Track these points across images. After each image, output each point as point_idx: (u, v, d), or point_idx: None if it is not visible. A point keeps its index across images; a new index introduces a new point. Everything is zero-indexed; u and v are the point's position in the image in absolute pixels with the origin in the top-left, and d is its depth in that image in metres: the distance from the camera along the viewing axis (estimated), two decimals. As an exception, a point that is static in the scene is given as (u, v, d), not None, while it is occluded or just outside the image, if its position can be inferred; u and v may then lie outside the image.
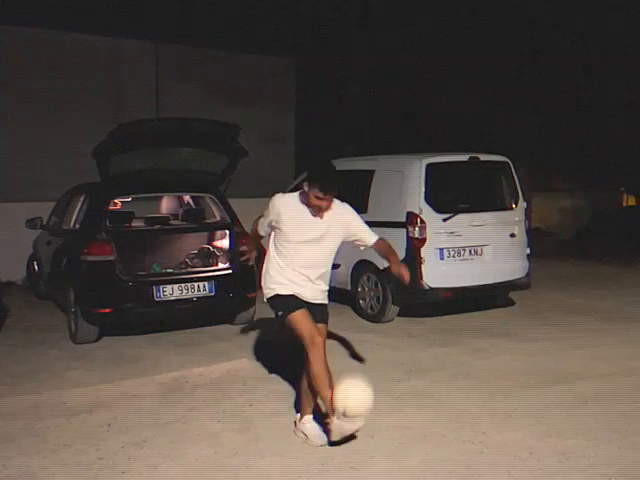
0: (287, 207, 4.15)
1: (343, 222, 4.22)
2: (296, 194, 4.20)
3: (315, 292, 4.28)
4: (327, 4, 17.26)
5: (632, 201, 20.17)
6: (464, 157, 7.90)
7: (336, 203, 4.15)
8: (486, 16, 17.94)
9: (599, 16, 18.08)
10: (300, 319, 4.13)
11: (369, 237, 4.32)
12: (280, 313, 4.22)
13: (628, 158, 19.30)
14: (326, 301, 4.39)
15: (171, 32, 13.85)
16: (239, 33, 14.79)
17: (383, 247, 4.38)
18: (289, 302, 4.19)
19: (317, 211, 4.08)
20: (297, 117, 16.02)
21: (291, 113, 15.76)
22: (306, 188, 4.02)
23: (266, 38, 15.06)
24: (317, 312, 4.27)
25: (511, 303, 8.59)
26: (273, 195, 4.26)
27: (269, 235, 4.37)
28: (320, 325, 4.25)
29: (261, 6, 16.11)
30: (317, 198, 4.00)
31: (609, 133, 19.20)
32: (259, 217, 4.43)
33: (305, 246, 4.15)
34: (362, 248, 4.42)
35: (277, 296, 4.23)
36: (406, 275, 4.21)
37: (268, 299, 4.31)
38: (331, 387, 4.09)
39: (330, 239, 4.21)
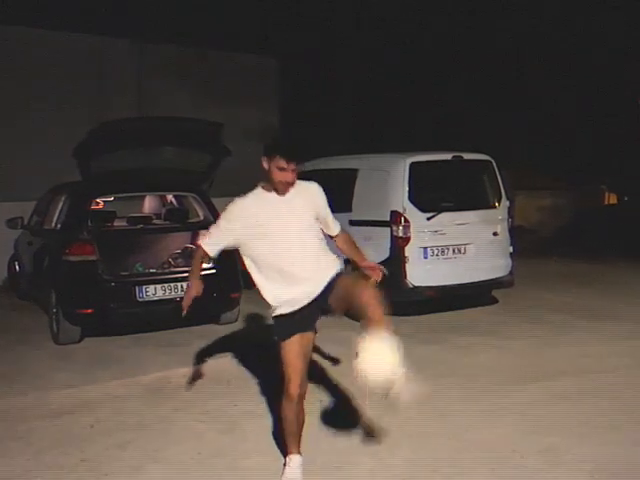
0: (255, 202, 3.62)
1: (311, 196, 3.72)
2: (256, 189, 3.70)
3: (320, 281, 3.67)
4: (313, 2, 17.26)
5: (613, 199, 20.36)
6: (448, 156, 7.93)
7: (301, 182, 3.68)
8: (471, 16, 18.03)
9: (583, 16, 18.23)
10: (292, 354, 3.68)
11: (334, 226, 3.88)
12: (275, 337, 3.76)
13: (609, 157, 19.50)
14: (338, 268, 3.74)
15: (154, 31, 13.76)
16: (223, 32, 14.73)
17: (346, 240, 3.97)
18: (286, 327, 3.71)
19: (283, 187, 3.56)
20: (282, 116, 16.00)
21: (275, 112, 15.75)
22: (266, 165, 3.54)
23: (250, 36, 15.01)
24: (314, 313, 3.78)
25: (494, 301, 8.64)
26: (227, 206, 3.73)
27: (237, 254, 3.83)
28: (308, 334, 3.79)
29: (245, 4, 16.06)
30: (280, 170, 3.50)
31: (591, 132, 19.36)
32: (197, 249, 3.99)
33: (290, 239, 3.59)
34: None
35: (278, 317, 3.75)
36: (376, 269, 3.87)
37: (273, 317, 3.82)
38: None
39: (305, 216, 3.67)
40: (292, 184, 3.59)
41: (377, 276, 3.88)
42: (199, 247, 3.91)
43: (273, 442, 4.31)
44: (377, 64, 17.99)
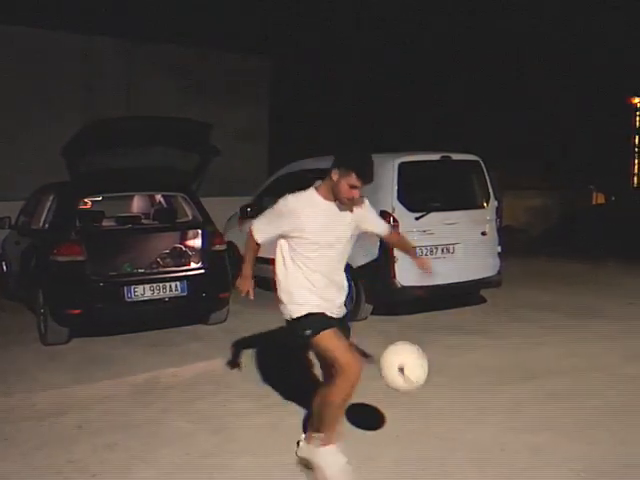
0: (307, 206, 3.63)
1: (362, 215, 3.82)
2: (310, 191, 3.73)
3: (341, 301, 3.83)
4: (304, 3, 17.27)
5: (601, 199, 20.48)
6: (436, 156, 7.94)
7: None
8: (460, 18, 18.09)
9: (576, 17, 18.34)
10: (335, 339, 3.60)
11: (384, 226, 4.07)
12: (308, 332, 3.61)
13: (597, 157, 19.61)
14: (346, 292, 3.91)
15: (143, 30, 13.71)
16: (212, 31, 14.70)
17: (399, 237, 4.31)
18: (320, 320, 3.64)
19: (349, 203, 3.62)
20: (272, 116, 15.99)
21: (265, 111, 15.73)
22: (335, 177, 3.57)
23: (240, 36, 14.99)
24: (344, 329, 3.83)
25: (483, 300, 8.67)
26: (280, 199, 3.73)
27: (275, 245, 3.81)
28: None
29: (236, 4, 16.03)
30: (352, 187, 3.54)
31: (580, 132, 19.47)
32: (248, 225, 3.92)
33: (334, 249, 3.69)
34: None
35: (307, 315, 3.66)
36: (427, 264, 4.05)
37: (294, 319, 3.70)
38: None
39: (351, 227, 3.78)
40: (357, 203, 3.71)
41: (428, 271, 4.02)
42: (250, 233, 3.87)
43: (263, 442, 4.30)
44: (376, 64, 18.01)
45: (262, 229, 3.79)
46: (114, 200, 8.22)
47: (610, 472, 3.85)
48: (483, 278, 8.10)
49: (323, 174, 8.60)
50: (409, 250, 4.24)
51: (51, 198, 7.63)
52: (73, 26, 12.75)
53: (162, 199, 8.30)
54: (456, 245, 7.84)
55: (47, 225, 7.42)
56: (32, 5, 12.41)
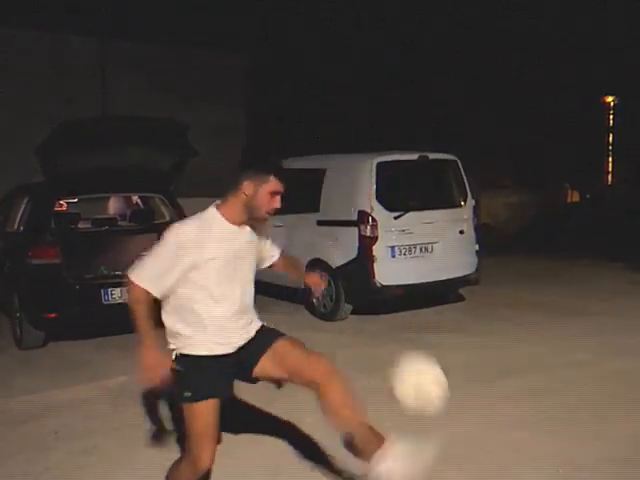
0: (205, 235, 2.90)
1: (262, 240, 3.24)
2: (200, 215, 2.98)
3: (251, 327, 3.19)
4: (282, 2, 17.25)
5: (576, 197, 20.73)
6: (414, 156, 7.98)
7: None
8: (441, 18, 18.19)
9: (543, 20, 18.52)
10: (208, 418, 2.99)
11: (275, 250, 3.40)
12: (187, 394, 2.99)
13: (572, 155, 19.84)
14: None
15: (118, 28, 13.60)
16: (189, 29, 14.62)
17: (287, 259, 3.50)
18: (207, 379, 3.01)
19: (268, 215, 2.94)
20: (250, 115, 15.95)
21: (242, 110, 15.69)
22: (249, 189, 2.87)
23: (216, 34, 14.93)
24: (266, 335, 3.19)
25: (461, 299, 8.72)
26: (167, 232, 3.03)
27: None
28: (282, 341, 3.16)
29: (214, 2, 15.97)
30: (273, 195, 2.89)
31: (554, 132, 19.68)
32: (132, 287, 3.13)
33: (240, 280, 3.04)
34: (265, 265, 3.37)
35: (190, 359, 3.03)
36: (319, 283, 3.54)
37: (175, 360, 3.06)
38: None
39: (256, 249, 3.17)
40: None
41: (319, 289, 3.57)
42: (133, 286, 3.09)
43: (241, 444, 4.28)
44: (355, 61, 18.03)
45: (153, 277, 3.09)
46: (90, 201, 8.13)
47: (587, 467, 3.88)
48: (461, 276, 8.16)
49: (304, 174, 8.66)
50: (299, 271, 3.71)
51: (26, 200, 7.53)
52: (47, 25, 12.61)
53: (139, 200, 8.23)
54: (434, 244, 7.88)
55: (22, 227, 7.32)
56: (3, 5, 12.24)
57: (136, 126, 7.57)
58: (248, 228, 3.03)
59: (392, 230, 7.60)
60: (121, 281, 6.87)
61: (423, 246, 7.82)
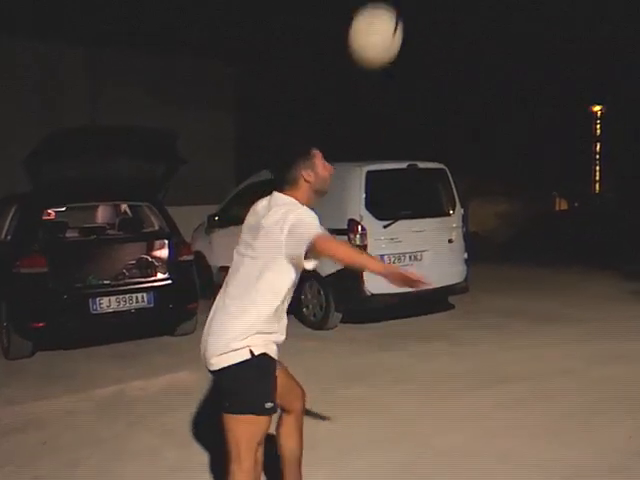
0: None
1: None
2: (295, 203, 2.99)
3: None
4: (271, 10, 17.28)
5: (564, 205, 20.85)
6: (403, 165, 8.01)
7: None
8: (425, 26, 18.28)
9: (532, 28, 18.67)
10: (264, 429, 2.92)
11: None
12: (269, 405, 2.84)
13: (560, 164, 19.97)
14: None
15: (108, 36, 13.58)
16: (178, 38, 14.62)
17: None
18: (271, 381, 2.90)
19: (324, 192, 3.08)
20: (240, 123, 15.95)
21: (231, 118, 15.69)
22: (309, 174, 2.96)
23: (206, 43, 14.94)
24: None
25: (450, 307, 8.74)
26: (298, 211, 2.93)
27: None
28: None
29: (201, 10, 15.98)
30: (323, 159, 3.04)
31: (542, 140, 19.81)
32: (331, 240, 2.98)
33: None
34: None
35: (264, 358, 2.86)
36: None
37: (256, 355, 2.84)
38: None
39: None
40: None
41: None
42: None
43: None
44: (335, 74, 18.09)
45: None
46: (78, 210, 8.10)
47: (576, 475, 3.89)
48: (450, 285, 8.16)
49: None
50: None
51: (13, 209, 7.48)
52: (36, 34, 12.58)
53: (127, 209, 8.20)
54: (424, 252, 7.89)
55: (9, 237, 7.27)
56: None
57: (124, 135, 7.55)
58: None
59: (381, 239, 7.62)
60: (109, 290, 6.87)
61: (412, 255, 7.83)
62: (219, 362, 2.88)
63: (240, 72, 15.95)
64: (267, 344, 2.89)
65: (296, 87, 17.96)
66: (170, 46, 14.28)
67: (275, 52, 17.49)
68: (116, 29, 13.83)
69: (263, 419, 2.86)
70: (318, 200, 3.11)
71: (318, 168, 2.99)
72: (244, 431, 2.86)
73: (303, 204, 2.98)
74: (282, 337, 3.01)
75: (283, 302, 2.96)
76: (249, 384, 2.84)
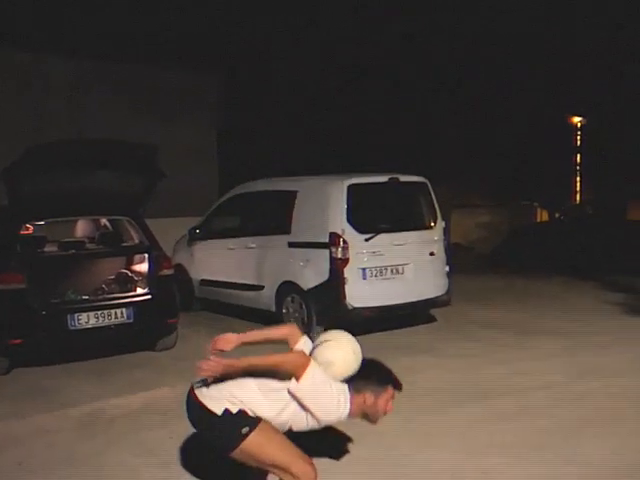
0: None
1: None
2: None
3: None
4: (253, 22, 17.32)
5: (545, 216, 21.00)
6: (384, 178, 8.02)
7: None
8: (405, 39, 18.41)
9: (511, 39, 18.87)
10: (274, 434, 3.20)
11: None
12: (245, 429, 3.12)
13: (541, 175, 20.14)
14: None
15: (91, 47, 13.51)
16: (162, 49, 14.59)
17: None
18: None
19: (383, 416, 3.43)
20: (222, 134, 15.91)
21: (214, 129, 15.65)
22: (370, 400, 3.30)
23: (188, 52, 14.91)
24: None
25: (433, 319, 8.73)
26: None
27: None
28: None
29: (184, 22, 15.97)
30: (391, 399, 3.39)
31: (523, 152, 19.98)
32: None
33: None
34: None
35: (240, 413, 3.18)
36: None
37: (223, 415, 3.15)
38: None
39: None
40: None
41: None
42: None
43: (211, 476, 4.20)
44: (317, 87, 18.14)
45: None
46: (57, 225, 8.01)
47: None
48: (432, 298, 8.18)
49: (275, 196, 8.65)
50: None
51: (-9, 223, 7.38)
52: (16, 43, 12.48)
53: (107, 223, 8.13)
54: (405, 266, 7.90)
55: (-14, 252, 7.16)
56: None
57: (105, 148, 7.49)
58: None
59: (363, 252, 7.61)
60: (88, 306, 6.78)
61: (394, 268, 7.83)
62: None
63: (223, 83, 15.92)
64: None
65: (279, 99, 17.97)
66: (152, 57, 14.24)
67: (258, 63, 17.52)
68: (98, 40, 13.77)
69: (252, 435, 3.09)
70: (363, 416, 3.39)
71: (380, 401, 3.28)
72: (254, 453, 3.12)
73: (350, 409, 3.27)
74: None
75: None
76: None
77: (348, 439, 4.66)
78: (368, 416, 3.33)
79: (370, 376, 3.34)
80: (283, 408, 3.18)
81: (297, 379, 3.11)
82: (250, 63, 17.44)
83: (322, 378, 3.19)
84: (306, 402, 3.15)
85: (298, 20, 17.70)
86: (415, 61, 18.46)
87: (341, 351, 3.35)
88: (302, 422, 3.25)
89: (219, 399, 3.16)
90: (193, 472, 4.26)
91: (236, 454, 3.13)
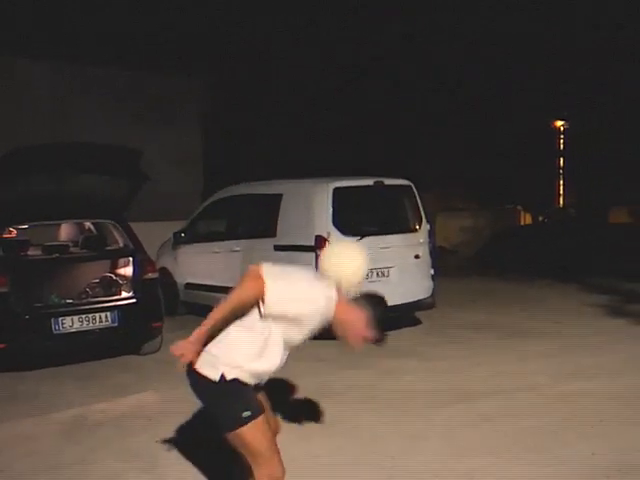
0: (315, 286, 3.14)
1: None
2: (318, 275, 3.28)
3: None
4: (240, 25, 17.31)
5: (529, 219, 21.14)
6: (370, 181, 8.05)
7: None
8: (405, 39, 18.46)
9: (494, 42, 18.98)
10: (265, 432, 3.11)
11: None
12: (247, 414, 3.02)
13: (524, 178, 20.26)
14: None
15: (74, 51, 13.43)
16: (144, 53, 14.55)
17: None
18: (254, 399, 3.13)
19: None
20: (207, 138, 15.89)
21: (199, 134, 15.62)
22: (353, 313, 3.18)
23: (174, 59, 14.89)
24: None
25: (417, 322, 8.76)
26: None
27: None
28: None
29: (169, 26, 15.93)
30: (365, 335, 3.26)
31: (507, 156, 20.10)
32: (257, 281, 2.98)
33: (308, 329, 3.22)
34: None
35: (239, 383, 3.06)
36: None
37: (225, 381, 3.03)
38: None
39: None
40: None
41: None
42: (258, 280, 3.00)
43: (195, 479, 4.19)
44: (312, 87, 18.13)
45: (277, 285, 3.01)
46: (41, 228, 7.96)
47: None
48: (417, 301, 8.21)
49: (260, 199, 8.61)
50: None
51: (-27, 227, 7.32)
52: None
53: (91, 226, 8.08)
54: (391, 269, 7.92)
55: (-32, 255, 7.10)
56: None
57: (88, 152, 7.45)
58: None
59: (349, 255, 7.61)
60: (72, 310, 6.74)
61: (379, 271, 7.85)
62: None
63: (207, 86, 15.90)
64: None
65: (263, 102, 17.97)
66: (138, 62, 14.19)
67: (242, 66, 17.50)
68: (81, 44, 13.71)
69: (251, 425, 3.02)
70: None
71: (360, 322, 3.16)
72: (246, 441, 3.05)
73: (336, 296, 3.15)
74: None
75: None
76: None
77: (329, 443, 4.67)
78: (346, 332, 3.18)
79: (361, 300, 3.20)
80: (268, 336, 3.04)
81: (262, 299, 2.96)
82: (235, 65, 17.42)
83: (282, 273, 3.07)
84: (287, 310, 3.01)
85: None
86: (400, 65, 18.53)
87: (344, 252, 3.48)
88: (296, 334, 3.13)
89: (213, 363, 3.03)
90: (177, 475, 4.25)
91: (231, 437, 3.07)
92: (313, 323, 3.11)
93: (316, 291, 3.09)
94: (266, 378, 3.22)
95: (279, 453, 3.13)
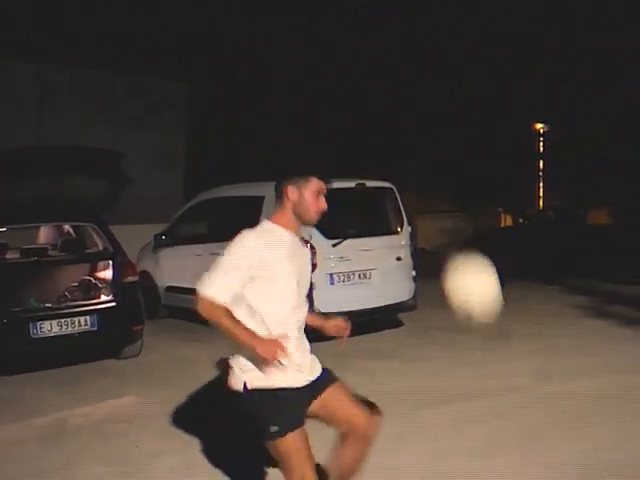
0: (274, 245, 2.95)
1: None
2: (267, 224, 3.05)
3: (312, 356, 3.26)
4: (240, 25, 17.27)
5: (509, 221, 21.29)
6: (351, 183, 8.04)
7: None
8: (393, 44, 18.52)
9: (475, 45, 19.12)
10: (303, 449, 2.94)
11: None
12: (275, 429, 2.87)
13: (505, 180, 20.42)
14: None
15: (56, 53, 13.31)
16: (127, 55, 14.46)
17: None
18: (288, 409, 2.93)
19: (317, 216, 3.04)
20: (190, 140, 15.82)
21: (182, 136, 15.56)
22: (294, 194, 2.94)
23: (158, 61, 14.82)
24: (327, 378, 3.29)
25: (400, 324, 8.78)
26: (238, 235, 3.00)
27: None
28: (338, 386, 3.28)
29: (150, 28, 15.85)
30: (318, 194, 2.97)
31: (487, 157, 20.24)
32: (208, 285, 2.91)
33: (301, 292, 3.08)
34: None
35: (265, 392, 2.90)
36: (344, 328, 3.55)
37: (244, 393, 2.91)
38: None
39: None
40: None
41: (345, 334, 3.49)
42: (204, 300, 2.87)
43: (179, 483, 4.15)
44: (296, 89, 18.12)
45: (219, 285, 2.88)
46: (19, 231, 7.85)
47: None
48: (399, 302, 8.23)
49: (242, 202, 8.57)
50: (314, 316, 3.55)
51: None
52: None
53: (71, 229, 7.99)
54: (372, 271, 7.93)
55: (-55, 259, 7.00)
56: None
57: (69, 154, 7.38)
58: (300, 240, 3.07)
59: (330, 257, 7.62)
60: (51, 313, 6.66)
61: (361, 273, 7.86)
62: None
63: (192, 89, 15.85)
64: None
65: (247, 104, 17.93)
66: (121, 63, 14.11)
67: (226, 68, 17.46)
68: (66, 45, 13.59)
69: (280, 440, 2.88)
70: (311, 223, 3.10)
71: (306, 193, 2.96)
72: (279, 452, 2.93)
73: (283, 225, 3.00)
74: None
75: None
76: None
77: (312, 442, 4.64)
78: (301, 217, 3.00)
79: (293, 173, 3.01)
80: (261, 321, 2.95)
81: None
82: (220, 68, 17.37)
83: (218, 268, 2.98)
84: (251, 275, 2.92)
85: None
86: (386, 67, 18.58)
87: None
88: (282, 298, 3.00)
89: (236, 375, 2.95)
90: (160, 479, 4.21)
91: (267, 446, 2.97)
92: (284, 271, 2.93)
93: (247, 242, 2.95)
94: (299, 357, 3.07)
95: (312, 465, 2.98)
